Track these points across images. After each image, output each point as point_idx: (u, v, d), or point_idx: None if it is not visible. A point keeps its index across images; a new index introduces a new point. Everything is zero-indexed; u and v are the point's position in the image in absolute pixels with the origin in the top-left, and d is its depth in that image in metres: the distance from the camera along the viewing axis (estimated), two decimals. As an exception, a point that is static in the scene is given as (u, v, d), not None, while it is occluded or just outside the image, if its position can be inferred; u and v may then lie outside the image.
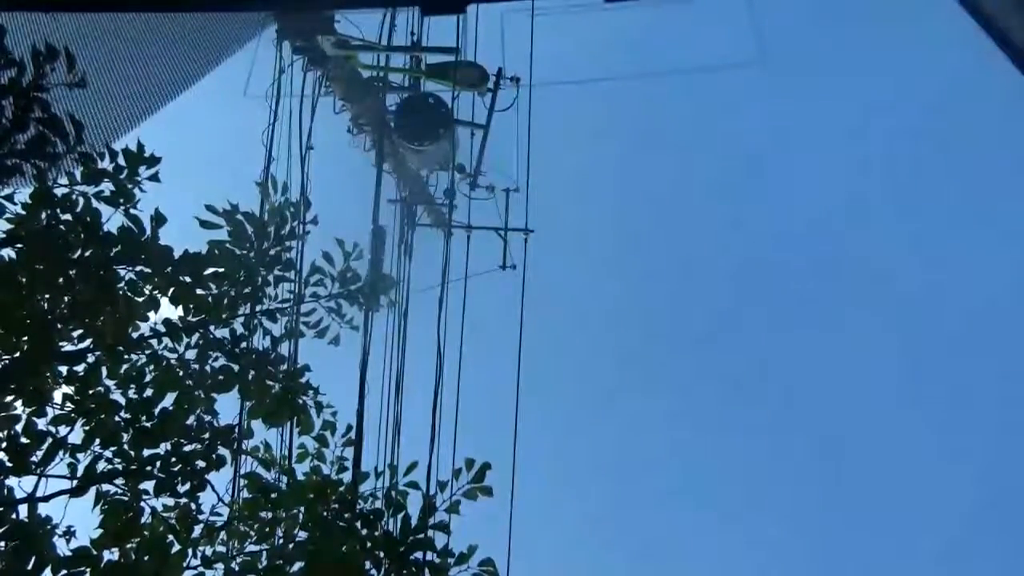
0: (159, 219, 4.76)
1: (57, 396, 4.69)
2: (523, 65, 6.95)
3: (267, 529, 5.06)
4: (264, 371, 5.25)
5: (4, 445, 4.35)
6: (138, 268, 4.80)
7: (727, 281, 13.52)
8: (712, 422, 13.39)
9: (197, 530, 4.84)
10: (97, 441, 4.65)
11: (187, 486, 4.75)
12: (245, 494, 5.14)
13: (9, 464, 4.29)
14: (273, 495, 5.10)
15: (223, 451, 4.93)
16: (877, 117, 12.51)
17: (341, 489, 5.30)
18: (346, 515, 5.12)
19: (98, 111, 4.52)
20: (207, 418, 4.99)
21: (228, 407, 5.15)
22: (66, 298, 4.62)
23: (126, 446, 4.68)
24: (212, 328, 5.15)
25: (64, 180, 4.52)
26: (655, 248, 13.59)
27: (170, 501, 4.77)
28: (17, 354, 4.52)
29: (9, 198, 4.33)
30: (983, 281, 12.36)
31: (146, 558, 4.49)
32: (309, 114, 6.09)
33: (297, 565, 4.80)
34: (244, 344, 5.26)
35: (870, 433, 13.17)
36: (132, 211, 4.68)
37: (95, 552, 4.34)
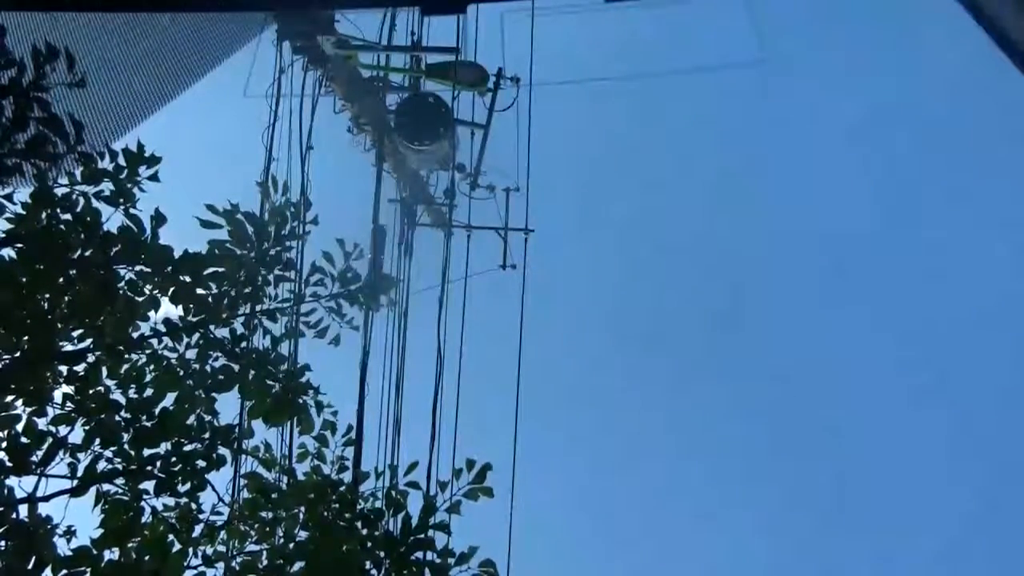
0: (159, 219, 4.76)
1: (57, 396, 4.69)
2: (523, 65, 6.96)
3: (267, 529, 5.06)
4: (264, 371, 5.25)
5: (4, 445, 4.34)
6: (138, 268, 4.80)
7: (727, 281, 13.52)
8: (712, 421, 13.39)
9: (197, 530, 4.84)
10: (97, 441, 4.64)
11: (187, 486, 4.75)
12: (245, 494, 5.14)
13: (9, 464, 4.28)
14: (273, 495, 5.10)
15: (223, 451, 4.92)
16: (877, 117, 12.52)
17: (341, 489, 5.30)
18: (346, 515, 5.12)
19: (98, 111, 4.52)
20: (207, 418, 4.98)
21: (228, 407, 5.16)
22: (66, 298, 4.61)
23: (126, 446, 4.68)
24: (212, 328, 5.15)
25: (64, 180, 4.52)
26: (655, 248, 13.59)
27: (170, 501, 4.77)
28: (17, 354, 4.52)
29: (9, 198, 4.33)
30: (983, 279, 12.36)
31: (146, 558, 4.49)
32: (309, 114, 6.10)
33: (297, 565, 4.79)
34: (244, 344, 5.25)
35: (870, 434, 13.17)
36: (132, 211, 4.68)
37: (95, 552, 4.34)
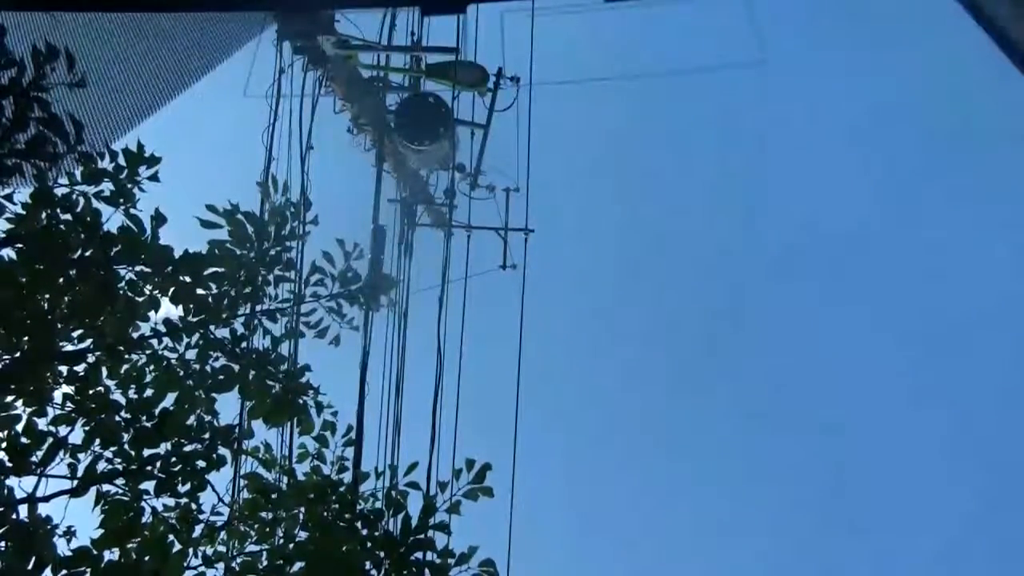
0: (159, 219, 4.76)
1: (57, 396, 4.69)
2: (523, 65, 6.95)
3: (267, 529, 5.06)
4: (264, 371, 5.25)
5: (4, 445, 4.34)
6: (138, 268, 4.80)
7: (726, 281, 13.53)
8: (712, 420, 13.40)
9: (197, 530, 4.83)
10: (97, 441, 4.64)
11: (187, 486, 4.74)
12: (245, 494, 5.14)
13: (9, 464, 4.28)
14: (273, 495, 5.10)
15: (223, 451, 4.92)
16: (877, 117, 12.52)
17: (341, 489, 5.30)
18: (346, 515, 5.12)
19: (98, 111, 4.52)
20: (207, 418, 4.98)
21: (228, 407, 5.16)
22: (66, 298, 4.61)
23: (126, 446, 4.68)
24: (212, 328, 5.15)
25: (64, 180, 4.52)
26: (655, 248, 13.59)
27: (170, 501, 4.76)
28: (17, 354, 4.52)
29: (9, 198, 4.33)
30: (983, 279, 12.36)
31: (146, 558, 4.49)
32: (309, 114, 6.10)
33: (297, 565, 4.79)
34: (244, 344, 5.25)
35: (870, 433, 13.17)
36: (132, 211, 4.68)
37: (95, 552, 4.34)
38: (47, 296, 4.59)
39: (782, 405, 13.40)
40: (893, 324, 13.08)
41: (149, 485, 4.68)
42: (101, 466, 4.64)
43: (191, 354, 5.12)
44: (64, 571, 4.17)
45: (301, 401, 5.32)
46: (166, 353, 5.07)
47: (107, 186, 4.60)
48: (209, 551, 4.89)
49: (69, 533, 4.50)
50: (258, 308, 5.34)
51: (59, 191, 4.50)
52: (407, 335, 6.95)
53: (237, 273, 5.14)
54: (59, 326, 4.62)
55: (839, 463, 12.98)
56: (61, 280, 4.59)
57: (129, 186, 4.63)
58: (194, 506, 4.82)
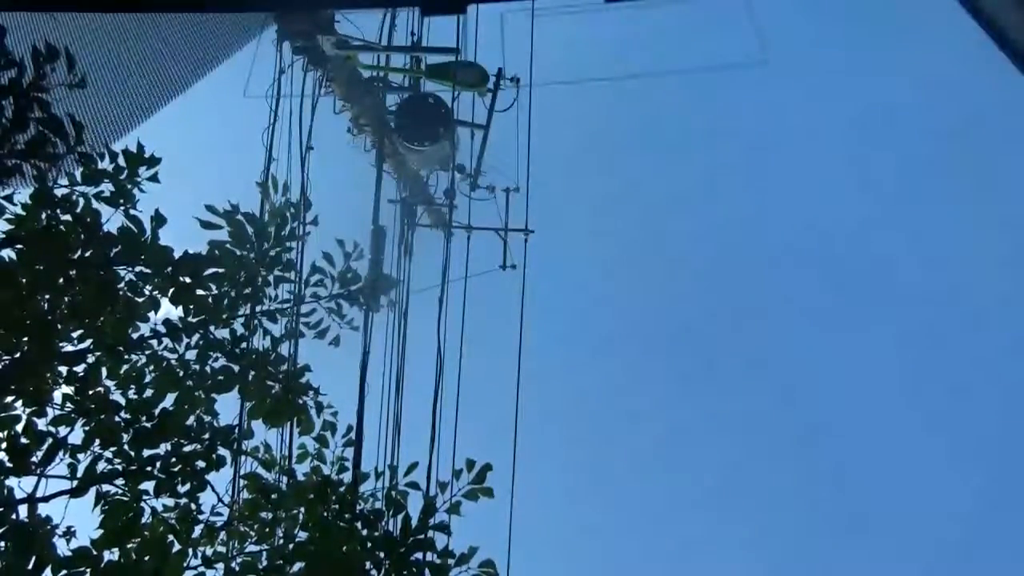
0: (159, 219, 4.76)
1: (57, 396, 4.69)
2: (523, 65, 6.95)
3: (267, 529, 5.06)
4: (264, 371, 5.25)
5: (4, 445, 4.34)
6: (138, 268, 4.80)
7: (727, 280, 13.53)
8: (711, 421, 13.39)
9: (197, 530, 4.84)
10: (97, 441, 4.64)
11: (187, 486, 4.75)
12: (245, 494, 5.14)
13: (9, 464, 4.28)
14: (273, 495, 5.10)
15: (223, 451, 4.92)
16: (877, 116, 12.52)
17: (341, 489, 5.30)
18: (346, 515, 5.12)
19: (98, 111, 4.52)
20: (207, 418, 4.99)
21: (228, 407, 5.16)
22: (66, 298, 4.62)
23: (126, 446, 4.68)
24: (212, 328, 5.15)
25: (64, 180, 4.52)
26: (655, 248, 13.60)
27: (170, 501, 4.77)
28: (17, 354, 4.52)
29: (9, 198, 4.33)
30: (983, 277, 12.36)
31: (146, 558, 4.49)
32: (309, 114, 6.09)
33: (297, 565, 4.79)
34: (244, 344, 5.25)
35: (868, 433, 13.17)
36: (132, 211, 4.68)
37: (95, 552, 4.34)
38: (47, 297, 4.60)
39: (783, 403, 13.41)
40: (894, 324, 13.08)
41: (149, 485, 4.69)
42: (101, 466, 4.65)
43: (191, 355, 5.13)
44: (64, 571, 4.17)
45: (301, 401, 5.32)
46: (166, 353, 5.08)
47: (107, 187, 4.60)
48: (209, 551, 4.89)
49: (69, 533, 4.50)
50: (258, 309, 5.34)
51: (59, 192, 4.50)
52: (407, 335, 6.95)
53: (237, 274, 5.14)
54: (59, 327, 4.62)
55: (839, 464, 12.99)
56: (61, 281, 4.59)
57: (129, 187, 4.63)
58: (194, 506, 4.82)
